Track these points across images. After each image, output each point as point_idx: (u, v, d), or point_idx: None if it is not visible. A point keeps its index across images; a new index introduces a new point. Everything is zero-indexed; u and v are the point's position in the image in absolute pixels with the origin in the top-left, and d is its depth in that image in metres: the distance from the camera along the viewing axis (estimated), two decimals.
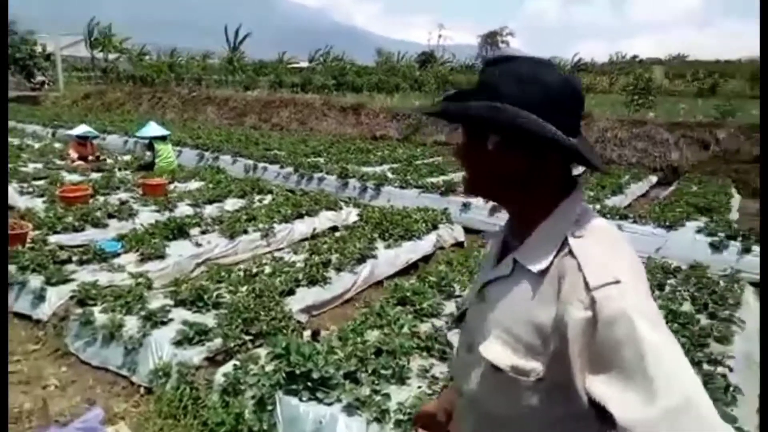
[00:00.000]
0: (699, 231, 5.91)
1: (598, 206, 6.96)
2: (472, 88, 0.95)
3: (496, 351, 0.91)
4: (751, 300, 4.41)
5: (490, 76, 0.92)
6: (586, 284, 0.82)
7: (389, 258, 5.17)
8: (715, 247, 5.54)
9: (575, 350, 0.81)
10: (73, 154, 8.95)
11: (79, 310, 3.65)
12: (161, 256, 4.76)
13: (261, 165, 9.91)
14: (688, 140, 11.99)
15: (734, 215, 7.31)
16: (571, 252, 0.87)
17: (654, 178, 10.89)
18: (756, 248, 5.38)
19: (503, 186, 0.96)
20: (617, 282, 0.81)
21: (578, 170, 1.12)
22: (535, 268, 0.91)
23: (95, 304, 3.71)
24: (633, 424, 0.74)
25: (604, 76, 32.81)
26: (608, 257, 0.86)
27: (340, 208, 6.88)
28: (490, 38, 51.62)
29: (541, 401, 0.87)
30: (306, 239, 5.77)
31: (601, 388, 0.79)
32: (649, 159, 12.17)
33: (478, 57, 51.72)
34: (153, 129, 8.72)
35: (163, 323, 3.47)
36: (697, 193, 8.36)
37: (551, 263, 0.89)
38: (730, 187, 9.65)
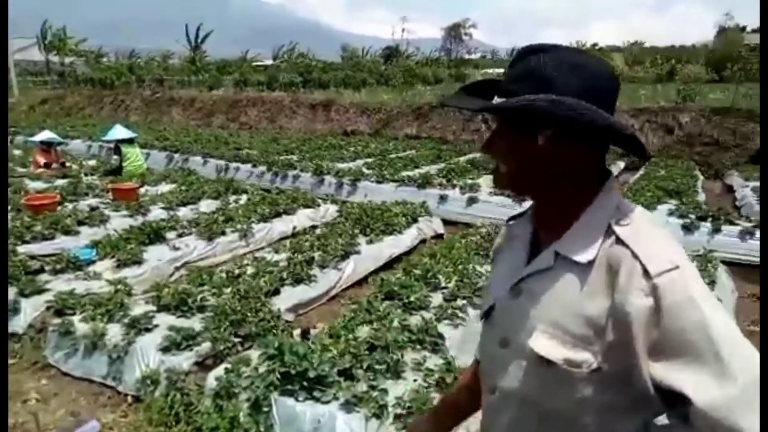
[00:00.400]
0: (671, 213, 6.07)
1: None
2: (509, 78, 0.92)
3: (545, 345, 0.89)
4: (723, 278, 4.56)
5: (536, 66, 0.89)
6: (646, 271, 0.81)
7: (372, 253, 5.16)
8: (687, 229, 5.70)
9: (639, 338, 0.80)
10: (40, 160, 8.62)
11: (58, 321, 3.52)
12: (138, 262, 4.64)
13: (233, 165, 9.75)
14: (652, 125, 12.31)
15: (701, 197, 7.55)
16: (619, 240, 0.86)
17: (621, 164, 11.15)
18: (726, 228, 5.57)
19: (549, 180, 0.93)
20: (676, 267, 0.81)
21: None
22: (582, 258, 0.89)
23: (74, 314, 3.59)
24: (712, 405, 0.75)
25: None
26: (659, 243, 0.86)
27: (318, 205, 6.83)
28: (454, 31, 51.86)
29: (595, 391, 0.86)
30: (286, 238, 5.70)
31: (672, 373, 0.79)
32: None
33: (442, 49, 52.01)
34: (119, 132, 8.47)
35: (148, 330, 3.38)
36: (665, 177, 8.60)
37: (597, 253, 0.88)
38: (695, 170, 9.96)
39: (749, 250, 5.30)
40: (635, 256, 0.83)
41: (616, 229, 0.88)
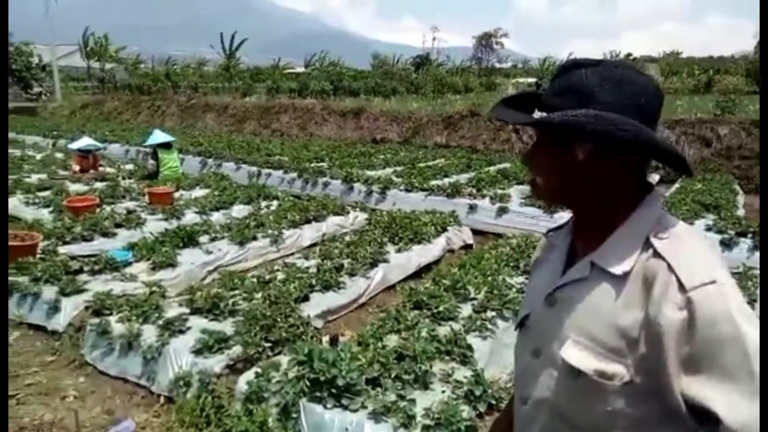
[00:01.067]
0: (708, 229, 5.91)
1: None
2: (552, 92, 0.93)
3: (577, 355, 0.89)
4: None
5: (579, 81, 0.90)
6: (681, 285, 0.80)
7: (401, 262, 5.16)
8: (726, 245, 5.54)
9: (670, 352, 0.80)
10: (75, 167, 8.91)
11: (95, 320, 3.62)
12: (172, 265, 4.75)
13: (265, 171, 9.90)
14: (689, 137, 12.00)
15: (740, 212, 7.32)
16: (657, 253, 0.86)
17: (657, 176, 10.91)
18: None
19: (587, 193, 0.93)
20: (713, 282, 0.80)
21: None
22: (618, 270, 0.89)
23: (111, 314, 3.70)
24: (741, 425, 0.74)
25: None
26: (699, 257, 0.85)
27: (348, 213, 6.87)
28: (485, 39, 51.71)
29: (627, 404, 0.85)
30: (315, 244, 5.75)
31: (702, 389, 0.78)
32: None
33: (473, 58, 51.86)
34: (158, 137, 8.69)
35: (181, 332, 3.46)
36: (702, 190, 8.37)
37: (634, 265, 0.88)
38: (734, 184, 9.67)
39: None
40: (671, 268, 0.83)
41: (654, 242, 0.88)
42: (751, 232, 5.61)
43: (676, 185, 9.23)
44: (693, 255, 0.85)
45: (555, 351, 0.93)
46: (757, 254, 5.33)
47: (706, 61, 41.78)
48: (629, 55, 48.21)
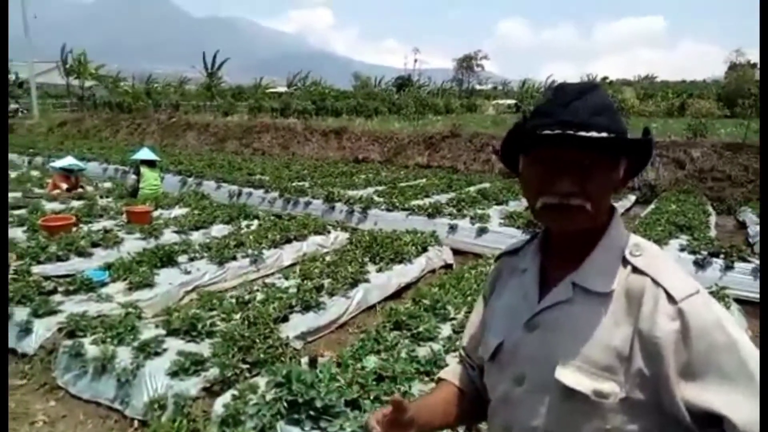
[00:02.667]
0: (682, 249, 6.03)
1: None
2: (588, 112, 0.88)
3: (572, 377, 0.88)
4: (736, 316, 4.50)
5: (605, 101, 0.92)
6: (670, 297, 0.85)
7: (381, 282, 5.16)
8: (699, 265, 5.65)
9: (670, 362, 0.83)
10: (62, 185, 8.71)
11: (69, 342, 3.54)
12: (150, 285, 4.68)
13: (245, 190, 9.86)
14: (664, 159, 12.31)
15: (713, 232, 7.50)
16: (637, 270, 0.90)
17: (633, 197, 11.13)
18: (739, 265, 5.52)
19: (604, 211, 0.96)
20: (698, 292, 0.85)
21: None
22: (602, 289, 0.90)
23: (85, 336, 3.62)
24: (748, 423, 0.78)
25: None
26: (676, 271, 0.90)
27: (329, 232, 6.87)
28: (465, 62, 52.61)
29: (623, 421, 0.87)
30: (296, 264, 5.73)
31: (703, 394, 0.81)
32: None
33: (453, 80, 52.62)
34: (142, 153, 8.62)
35: (157, 354, 3.39)
36: (676, 211, 8.56)
37: (617, 283, 0.91)
38: (707, 205, 9.92)
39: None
40: (657, 283, 0.87)
41: (631, 259, 0.91)
42: (723, 253, 5.74)
43: (651, 206, 9.42)
44: (672, 269, 0.90)
45: (544, 375, 0.92)
46: (729, 274, 5.45)
47: (679, 85, 42.96)
48: (605, 78, 49.38)
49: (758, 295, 5.22)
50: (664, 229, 6.94)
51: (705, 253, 5.80)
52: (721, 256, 5.71)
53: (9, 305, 3.99)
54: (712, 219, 8.66)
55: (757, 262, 5.56)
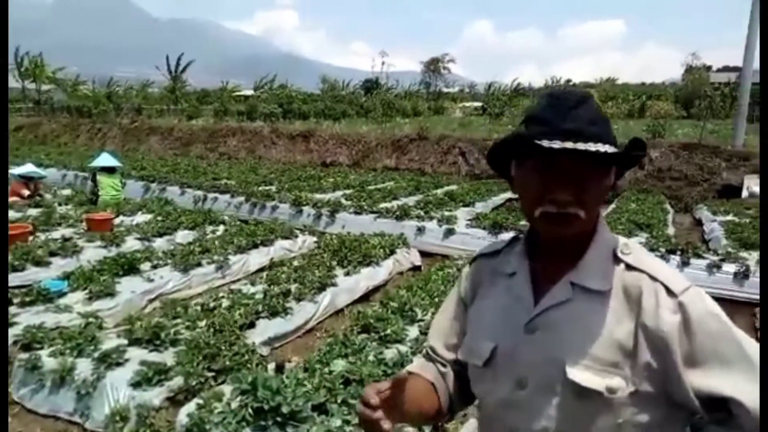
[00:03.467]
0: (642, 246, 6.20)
1: None
2: (585, 122, 0.90)
3: (583, 376, 0.89)
4: None
5: (598, 111, 0.94)
6: (669, 291, 0.89)
7: (349, 285, 5.16)
8: None
9: (677, 353, 0.87)
10: (24, 192, 8.40)
11: (25, 355, 3.42)
12: (111, 294, 4.56)
13: (211, 195, 9.71)
14: None
15: (671, 230, 7.75)
16: (631, 267, 0.94)
17: None
18: (694, 261, 5.72)
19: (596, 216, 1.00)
20: (691, 285, 0.91)
21: None
22: (601, 287, 0.93)
23: (42, 348, 3.50)
24: (753, 402, 0.84)
25: None
26: (665, 266, 0.95)
27: (296, 237, 6.83)
28: (432, 64, 53.00)
29: (634, 413, 0.89)
30: (263, 269, 5.67)
31: (708, 380, 0.86)
32: None
33: (421, 83, 52.95)
34: (101, 159, 8.38)
35: (119, 364, 3.31)
36: (636, 210, 8.82)
37: (613, 280, 0.94)
38: (665, 203, 10.25)
39: (715, 282, 5.43)
40: (654, 278, 0.91)
41: (623, 257, 0.95)
42: (680, 250, 5.94)
43: (612, 206, 9.68)
44: (662, 265, 0.95)
45: (551, 376, 0.92)
46: (686, 270, 5.64)
47: (640, 88, 44.24)
48: (569, 81, 50.45)
49: (713, 290, 5.42)
50: (624, 227, 7.15)
51: (663, 250, 5.99)
52: (678, 252, 5.90)
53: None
54: (670, 217, 8.96)
55: (713, 258, 5.77)
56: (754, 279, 5.34)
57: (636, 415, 0.89)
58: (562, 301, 0.95)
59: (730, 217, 8.46)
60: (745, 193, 10.55)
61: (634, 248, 0.97)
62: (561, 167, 0.91)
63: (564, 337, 0.93)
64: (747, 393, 0.84)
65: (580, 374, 0.89)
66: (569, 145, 0.87)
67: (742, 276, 5.41)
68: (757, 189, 10.63)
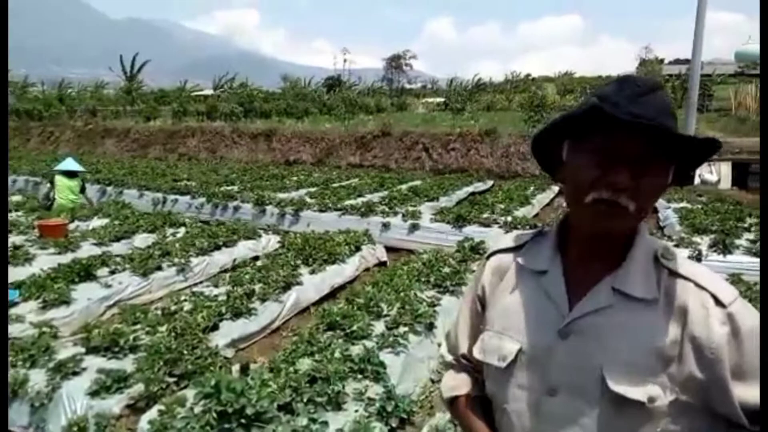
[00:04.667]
0: None
1: (509, 218, 7.33)
2: (656, 112, 0.84)
3: (626, 385, 0.86)
4: None
5: (668, 102, 0.89)
6: (718, 301, 0.86)
7: (315, 283, 5.12)
8: None
9: (726, 365, 0.84)
10: None
11: None
12: (66, 302, 4.40)
13: (171, 197, 9.50)
14: None
15: None
16: (675, 273, 0.90)
17: (556, 188, 11.65)
18: None
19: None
20: (738, 295, 0.88)
21: None
22: (646, 295, 0.89)
23: None
24: None
25: (501, 94, 34.74)
26: (712, 275, 0.91)
27: (260, 237, 6.74)
28: (394, 61, 53.10)
29: (672, 422, 0.87)
30: (226, 271, 5.58)
31: (755, 393, 0.85)
32: None
33: (383, 80, 53.02)
34: (66, 164, 8.08)
35: (75, 373, 3.21)
36: None
37: (658, 288, 0.90)
38: None
39: None
40: (701, 287, 0.88)
41: (665, 263, 0.91)
42: None
43: None
44: (707, 273, 0.91)
45: (587, 384, 0.89)
46: None
47: (596, 80, 45.32)
48: (528, 75, 51.31)
49: None
50: None
51: None
52: None
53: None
54: None
55: (668, 243, 5.95)
56: (706, 263, 5.55)
57: (673, 423, 0.87)
58: (602, 306, 0.90)
59: (683, 204, 8.77)
60: (697, 181, 10.94)
61: (676, 253, 0.93)
62: (625, 148, 0.84)
63: (603, 344, 0.89)
64: None
65: (620, 384, 0.86)
66: (644, 122, 0.81)
67: (695, 260, 5.61)
68: (708, 176, 11.05)
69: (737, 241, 6.00)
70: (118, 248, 6.08)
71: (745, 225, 7.03)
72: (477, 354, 1.03)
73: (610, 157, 0.86)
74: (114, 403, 2.97)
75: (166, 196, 9.57)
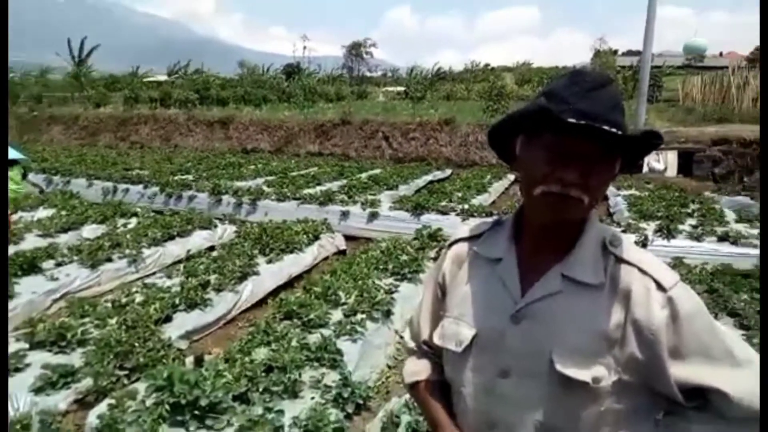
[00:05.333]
0: None
1: (466, 206, 7.42)
2: (605, 107, 0.87)
3: (573, 367, 0.90)
4: None
5: (618, 96, 0.91)
6: (660, 286, 0.90)
7: (272, 273, 5.07)
8: None
9: (664, 346, 0.89)
10: None
11: None
12: (9, 296, 4.21)
13: (122, 186, 9.18)
14: None
15: None
16: (621, 260, 0.93)
17: (512, 176, 11.87)
18: None
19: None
20: (679, 280, 0.92)
21: None
22: (593, 280, 0.93)
23: None
24: (742, 392, 0.88)
25: (461, 84, 35.02)
26: (656, 260, 0.95)
27: (215, 226, 6.61)
28: (354, 49, 52.72)
29: (613, 401, 0.91)
30: (180, 262, 5.45)
31: (693, 372, 0.89)
32: None
33: (343, 67, 52.59)
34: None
35: (18, 370, 3.09)
36: None
37: (605, 273, 0.93)
38: None
39: None
40: (644, 272, 0.92)
41: (613, 250, 0.95)
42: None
43: None
44: (651, 259, 0.95)
45: (537, 367, 0.93)
46: None
47: (553, 71, 46.23)
48: (488, 65, 51.88)
49: None
50: None
51: None
52: None
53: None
54: None
55: (616, 229, 6.18)
56: (651, 248, 5.78)
57: (617, 402, 0.91)
58: (552, 292, 0.94)
59: (632, 192, 9.09)
60: (645, 169, 11.35)
61: (623, 240, 0.96)
62: (573, 147, 0.87)
63: (552, 328, 0.92)
64: (732, 384, 0.88)
65: (567, 366, 0.90)
66: (590, 124, 0.84)
67: (641, 245, 5.83)
68: (656, 165, 11.47)
69: (680, 227, 6.27)
70: (65, 239, 5.85)
71: (689, 211, 7.36)
72: (437, 340, 1.07)
73: (559, 154, 0.89)
74: (60, 399, 2.88)
75: (117, 185, 9.25)
